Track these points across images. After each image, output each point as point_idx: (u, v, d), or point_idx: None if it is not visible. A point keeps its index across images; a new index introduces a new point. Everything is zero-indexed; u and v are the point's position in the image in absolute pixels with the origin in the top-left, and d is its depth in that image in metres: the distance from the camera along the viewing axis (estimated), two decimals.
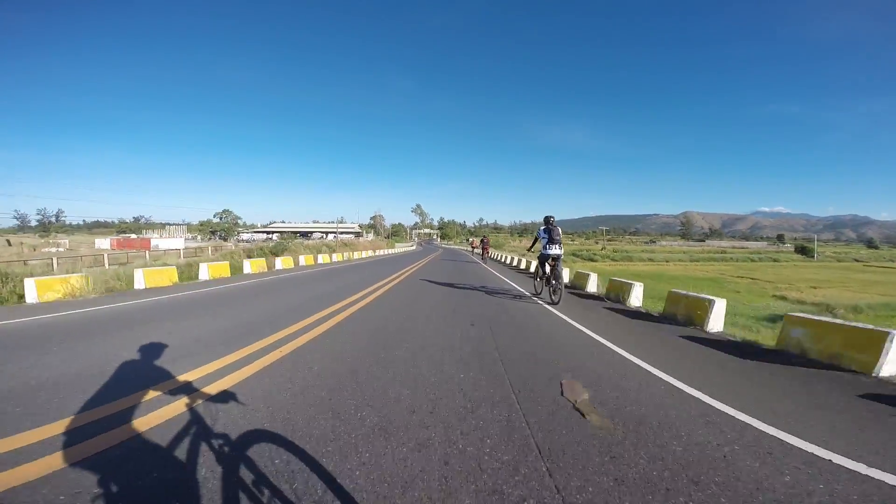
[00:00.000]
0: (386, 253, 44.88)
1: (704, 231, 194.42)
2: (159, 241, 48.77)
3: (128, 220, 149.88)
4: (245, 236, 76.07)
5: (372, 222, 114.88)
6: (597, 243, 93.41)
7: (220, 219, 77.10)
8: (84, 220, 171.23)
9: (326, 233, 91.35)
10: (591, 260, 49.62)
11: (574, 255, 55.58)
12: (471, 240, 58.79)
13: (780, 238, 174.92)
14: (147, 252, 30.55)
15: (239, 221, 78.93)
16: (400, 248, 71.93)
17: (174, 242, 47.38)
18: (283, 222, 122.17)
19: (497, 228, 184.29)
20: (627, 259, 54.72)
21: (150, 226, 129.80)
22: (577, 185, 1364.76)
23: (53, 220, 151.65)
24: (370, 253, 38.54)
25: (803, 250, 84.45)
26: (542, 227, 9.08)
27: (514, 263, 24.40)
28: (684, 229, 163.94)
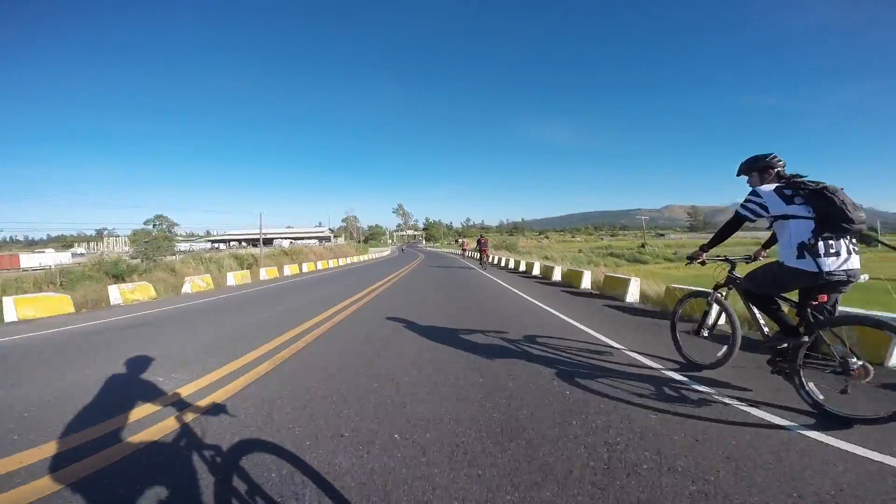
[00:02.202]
0: (350, 262, 32.48)
1: (687, 224, 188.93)
2: (32, 257, 35.64)
3: (90, 233, 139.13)
4: (183, 246, 62.44)
5: (344, 224, 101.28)
6: (644, 238, 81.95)
7: (154, 226, 63.10)
8: (48, 235, 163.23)
9: (293, 239, 78.21)
10: (639, 261, 37.72)
11: (612, 254, 43.68)
12: (461, 241, 47.09)
13: None
14: None
15: (175, 228, 65.03)
16: (375, 253, 59.65)
17: (55, 258, 34.47)
18: (262, 231, 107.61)
19: (485, 228, 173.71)
20: (678, 259, 42.42)
21: (89, 238, 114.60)
22: (562, 182, 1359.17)
23: None
24: (325, 264, 25.59)
25: (861, 238, 75.91)
26: (775, 186, 2.95)
27: (534, 272, 15.80)
28: (693, 221, 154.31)
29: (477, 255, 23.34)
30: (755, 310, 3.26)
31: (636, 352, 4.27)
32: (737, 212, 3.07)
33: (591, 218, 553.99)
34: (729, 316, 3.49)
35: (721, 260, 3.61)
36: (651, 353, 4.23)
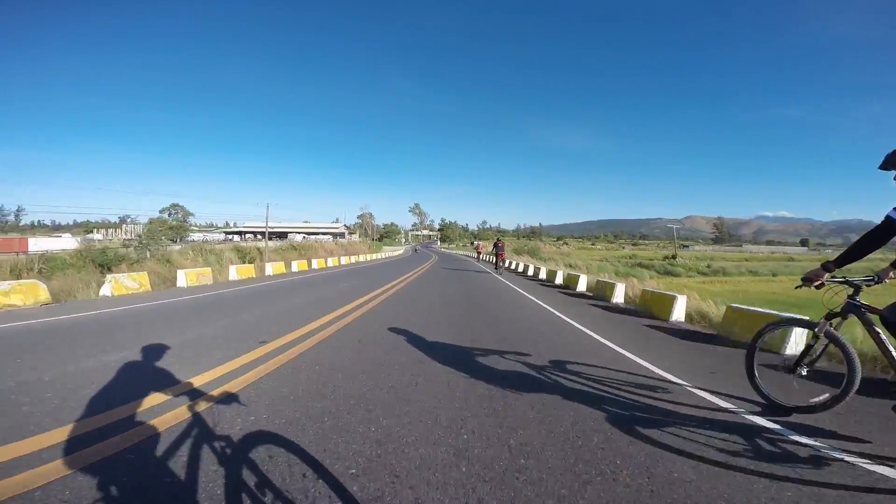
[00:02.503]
0: (357, 261, 31.14)
1: (711, 236, 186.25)
2: (41, 241, 35.86)
3: (113, 220, 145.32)
4: (197, 236, 62.45)
5: (359, 221, 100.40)
6: (659, 247, 78.39)
7: (169, 215, 63.45)
8: (74, 220, 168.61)
9: (307, 233, 77.80)
10: (671, 274, 35.15)
11: (640, 265, 41.07)
12: (476, 243, 45.55)
13: (805, 243, 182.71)
14: None
15: (190, 218, 65.26)
16: (388, 252, 58.76)
17: (64, 243, 34.61)
18: (283, 223, 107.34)
19: (501, 232, 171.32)
20: (720, 273, 38.49)
21: (108, 225, 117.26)
22: (580, 188, 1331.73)
23: (12, 217, 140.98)
24: (323, 262, 24.20)
25: None
26: None
27: (580, 287, 13.12)
28: (718, 233, 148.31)
29: (493, 258, 22.32)
30: (891, 347, 2.74)
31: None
32: (890, 217, 2.52)
33: (610, 226, 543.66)
34: (845, 351, 2.90)
35: (841, 282, 2.98)
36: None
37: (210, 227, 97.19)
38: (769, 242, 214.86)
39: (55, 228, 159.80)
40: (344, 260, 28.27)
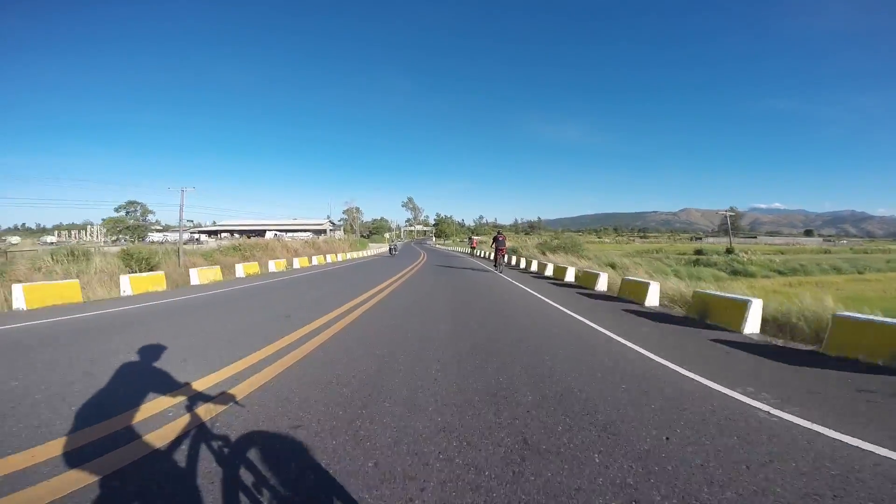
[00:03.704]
0: (318, 263, 25.05)
1: (709, 229, 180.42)
2: None
3: (97, 222, 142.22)
4: (157, 237, 55.63)
5: (345, 216, 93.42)
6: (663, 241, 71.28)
7: (126, 213, 56.53)
8: (61, 223, 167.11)
9: (283, 231, 71.13)
10: (740, 272, 28.44)
11: (696, 262, 34.21)
12: (471, 238, 39.44)
13: (809, 233, 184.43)
14: None
15: (150, 217, 58.46)
16: (375, 250, 52.70)
17: None
18: (269, 222, 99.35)
19: (498, 226, 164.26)
20: (800, 272, 31.03)
21: (71, 227, 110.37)
22: (575, 182, 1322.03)
23: None
24: (249, 269, 17.21)
25: None
26: None
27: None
28: (731, 225, 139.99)
29: (491, 253, 19.92)
30: None
31: None
32: None
33: (606, 219, 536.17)
34: None
35: None
36: None
37: (199, 227, 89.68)
38: (769, 233, 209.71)
39: (41, 231, 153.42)
40: (298, 263, 21.64)
